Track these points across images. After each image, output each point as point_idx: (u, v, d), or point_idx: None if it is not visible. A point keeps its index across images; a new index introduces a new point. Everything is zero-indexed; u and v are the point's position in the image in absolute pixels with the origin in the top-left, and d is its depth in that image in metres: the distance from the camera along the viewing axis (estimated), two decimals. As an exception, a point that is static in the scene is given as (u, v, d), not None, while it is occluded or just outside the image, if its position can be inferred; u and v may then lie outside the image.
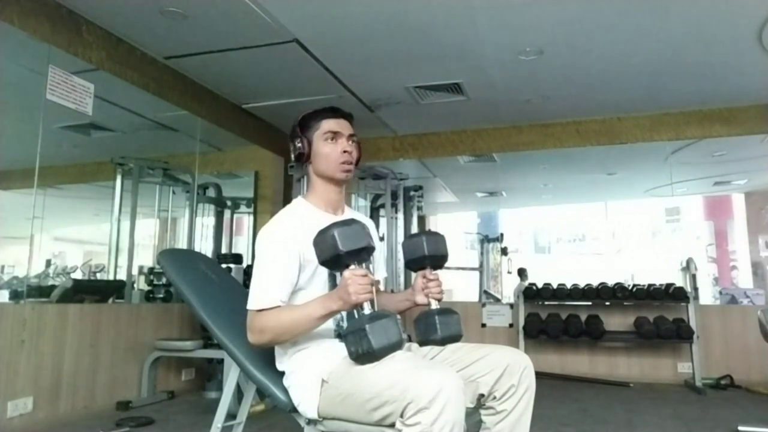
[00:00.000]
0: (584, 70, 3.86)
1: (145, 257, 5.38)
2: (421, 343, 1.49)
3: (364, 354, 1.26)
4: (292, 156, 1.65)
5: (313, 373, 1.39)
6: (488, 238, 8.73)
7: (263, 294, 1.40)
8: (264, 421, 3.09)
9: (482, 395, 1.43)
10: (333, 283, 1.46)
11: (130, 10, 3.05)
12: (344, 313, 1.42)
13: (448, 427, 1.14)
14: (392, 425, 1.23)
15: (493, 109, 4.64)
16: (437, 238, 1.50)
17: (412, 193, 6.68)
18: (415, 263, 1.51)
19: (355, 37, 3.36)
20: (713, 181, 7.31)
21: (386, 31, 3.26)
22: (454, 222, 10.97)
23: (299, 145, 1.60)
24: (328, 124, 1.58)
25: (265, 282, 1.41)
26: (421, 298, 1.51)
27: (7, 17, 2.67)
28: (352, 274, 1.28)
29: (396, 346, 1.27)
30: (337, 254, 1.28)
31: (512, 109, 4.64)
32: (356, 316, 1.34)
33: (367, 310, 1.31)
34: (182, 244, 5.23)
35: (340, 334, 1.43)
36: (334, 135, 1.57)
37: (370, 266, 1.48)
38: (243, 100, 4.48)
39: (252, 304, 1.40)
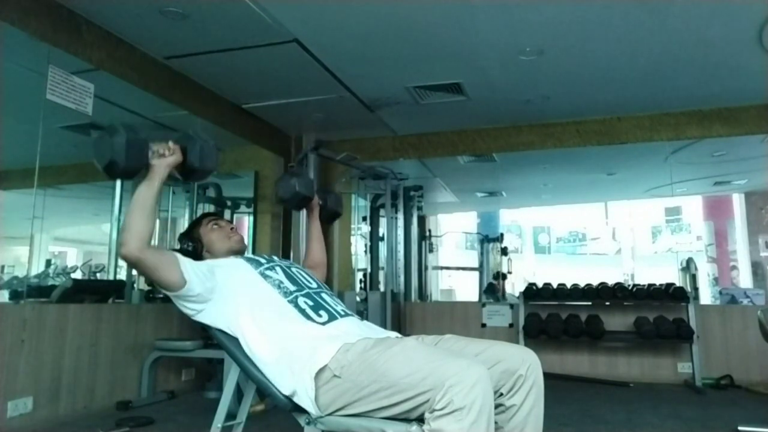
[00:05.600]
0: (584, 70, 3.86)
1: (145, 257, 5.36)
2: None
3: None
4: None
5: (318, 369, 1.39)
6: (488, 238, 8.74)
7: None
8: (264, 421, 3.09)
9: None
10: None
11: (130, 10, 3.05)
12: (285, 277, 1.64)
13: (485, 413, 1.18)
14: (419, 415, 1.24)
15: (493, 109, 4.64)
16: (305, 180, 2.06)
17: (412, 193, 6.70)
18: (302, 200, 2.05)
19: (355, 37, 3.36)
20: (713, 181, 7.31)
21: (386, 31, 3.26)
22: (454, 222, 10.98)
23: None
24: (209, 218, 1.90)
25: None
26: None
27: (7, 17, 2.67)
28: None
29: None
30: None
31: (512, 109, 4.63)
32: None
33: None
34: (182, 244, 5.21)
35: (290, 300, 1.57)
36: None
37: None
38: (243, 100, 4.48)
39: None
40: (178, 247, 1.89)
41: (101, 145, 1.45)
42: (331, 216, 2.21)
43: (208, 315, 1.59)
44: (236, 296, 1.58)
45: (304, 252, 2.15)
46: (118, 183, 4.67)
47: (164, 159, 1.55)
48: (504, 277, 7.91)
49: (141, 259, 1.45)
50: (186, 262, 1.55)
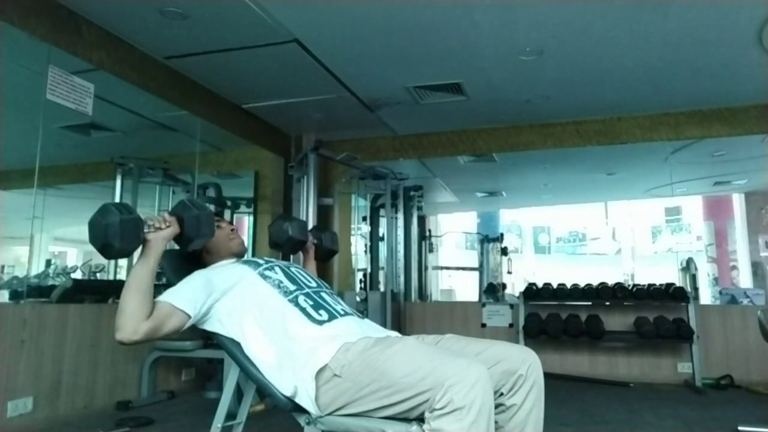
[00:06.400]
0: (584, 70, 3.86)
1: (145, 257, 5.35)
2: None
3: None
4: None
5: (319, 368, 1.39)
6: (488, 238, 8.73)
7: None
8: (264, 421, 3.09)
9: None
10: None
11: (130, 10, 3.05)
12: (285, 277, 1.63)
13: (485, 413, 1.18)
14: (419, 415, 1.24)
15: (493, 109, 4.64)
16: (299, 223, 2.04)
17: (412, 193, 6.69)
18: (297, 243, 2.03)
19: (355, 37, 3.36)
20: (713, 181, 7.31)
21: (386, 31, 3.26)
22: (454, 222, 10.98)
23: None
24: None
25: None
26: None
27: (7, 17, 2.67)
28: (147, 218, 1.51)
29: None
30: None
31: (512, 109, 4.63)
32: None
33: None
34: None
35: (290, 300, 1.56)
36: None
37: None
38: (243, 100, 4.48)
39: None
40: (178, 247, 1.89)
41: (95, 228, 1.40)
42: (327, 254, 2.19)
43: (211, 323, 1.59)
44: (237, 300, 1.58)
45: None
46: (118, 183, 4.67)
47: (161, 232, 1.51)
48: (504, 287, 7.91)
49: (139, 340, 1.42)
50: (181, 299, 1.50)
